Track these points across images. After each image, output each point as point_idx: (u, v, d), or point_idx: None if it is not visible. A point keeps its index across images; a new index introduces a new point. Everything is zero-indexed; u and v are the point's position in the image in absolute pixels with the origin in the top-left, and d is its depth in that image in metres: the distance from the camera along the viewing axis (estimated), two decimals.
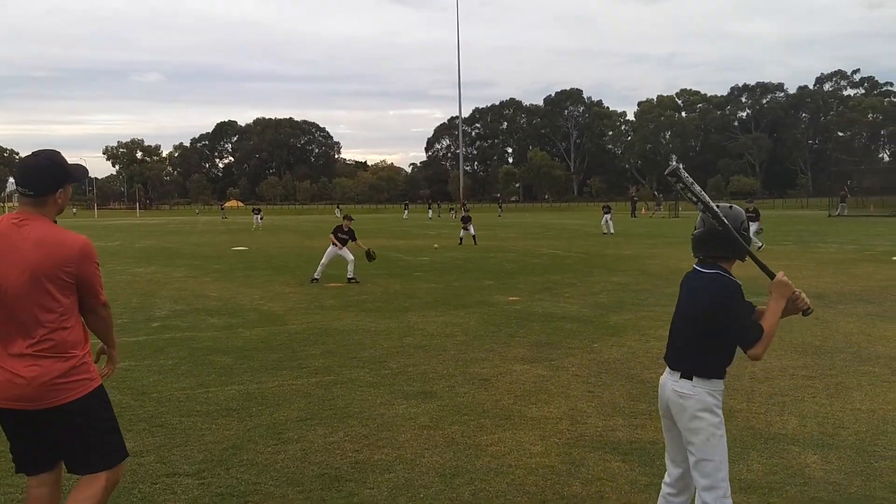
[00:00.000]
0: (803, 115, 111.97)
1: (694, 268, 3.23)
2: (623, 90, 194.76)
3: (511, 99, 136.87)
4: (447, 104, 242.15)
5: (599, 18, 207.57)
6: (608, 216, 31.20)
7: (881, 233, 27.55)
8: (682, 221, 44.42)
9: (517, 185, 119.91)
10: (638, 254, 20.53)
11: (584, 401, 6.13)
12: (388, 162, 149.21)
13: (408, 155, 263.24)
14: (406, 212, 65.48)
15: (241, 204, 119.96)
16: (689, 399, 3.03)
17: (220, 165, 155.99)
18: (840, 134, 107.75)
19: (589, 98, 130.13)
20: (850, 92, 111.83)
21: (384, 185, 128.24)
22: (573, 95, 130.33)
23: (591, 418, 5.65)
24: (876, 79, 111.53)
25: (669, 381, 3.15)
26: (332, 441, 5.19)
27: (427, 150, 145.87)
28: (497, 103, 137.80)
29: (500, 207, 76.18)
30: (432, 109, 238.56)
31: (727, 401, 6.01)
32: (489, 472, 4.60)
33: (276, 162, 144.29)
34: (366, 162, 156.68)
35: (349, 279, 14.83)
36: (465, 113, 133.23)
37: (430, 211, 68.17)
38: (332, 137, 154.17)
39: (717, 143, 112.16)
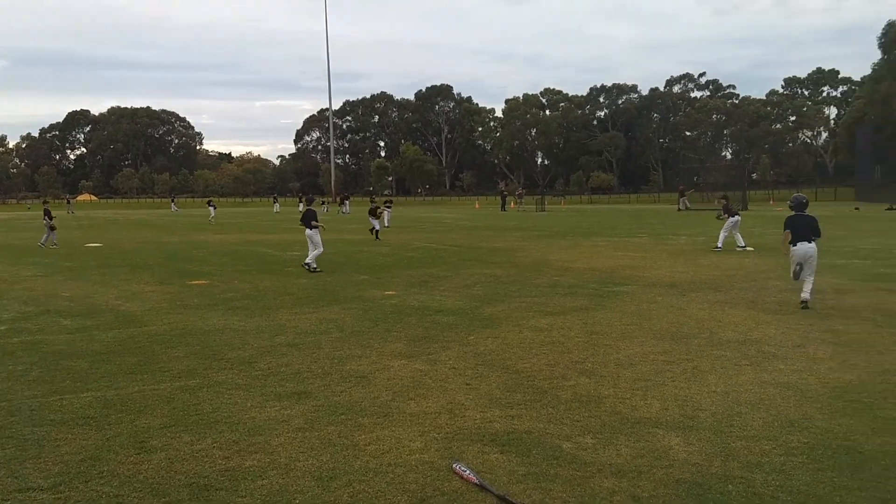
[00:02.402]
0: (655, 115, 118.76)
1: (797, 214, 10.39)
2: (491, 87, 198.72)
3: (382, 92, 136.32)
4: (317, 96, 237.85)
5: (469, 16, 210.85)
6: (213, 209, 41.42)
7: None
8: (548, 216, 46.04)
9: (390, 178, 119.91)
10: (508, 246, 21.04)
11: (461, 394, 6.16)
12: (255, 154, 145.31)
13: (276, 147, 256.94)
14: (276, 205, 63.91)
15: (93, 197, 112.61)
16: (814, 249, 10.02)
17: (72, 157, 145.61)
18: (688, 133, 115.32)
19: (459, 94, 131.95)
20: (697, 94, 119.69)
21: (251, 177, 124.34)
22: (444, 91, 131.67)
23: (468, 411, 5.69)
24: (720, 81, 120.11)
25: (806, 246, 10.06)
26: (200, 448, 4.92)
27: (296, 142, 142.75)
28: (368, 96, 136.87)
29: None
30: (301, 101, 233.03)
31: (595, 388, 6.27)
32: (368, 472, 4.52)
33: (132, 153, 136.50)
34: (230, 153, 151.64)
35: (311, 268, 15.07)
36: (336, 105, 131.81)
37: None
38: (193, 128, 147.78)
39: (579, 140, 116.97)
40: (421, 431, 5.24)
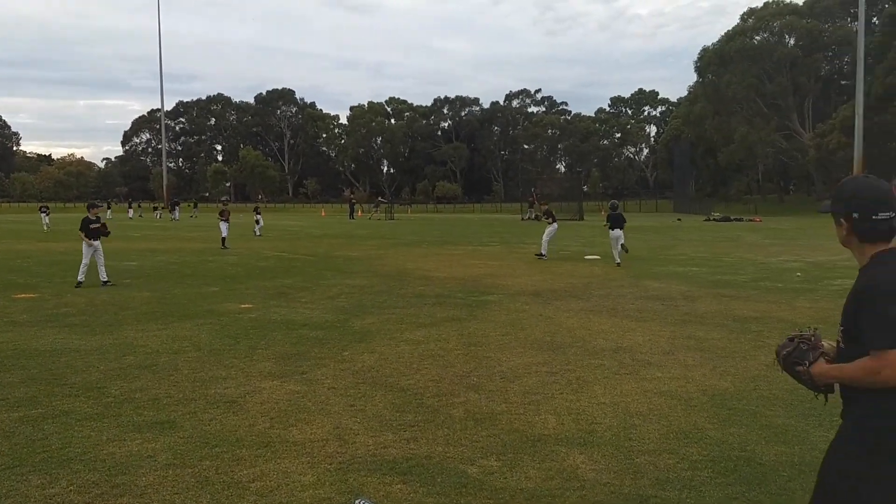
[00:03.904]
0: (495, 128, 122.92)
1: (613, 213, 18.26)
2: (335, 94, 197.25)
3: (219, 94, 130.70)
4: (147, 96, 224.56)
5: (309, 21, 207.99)
6: (45, 215, 36.86)
7: (567, 234, 30.93)
8: (398, 224, 46.04)
9: (228, 184, 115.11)
10: (365, 255, 20.58)
11: (347, 416, 5.70)
12: (78, 156, 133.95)
13: (101, 149, 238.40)
14: (109, 211, 59.54)
15: None
16: (621, 233, 17.87)
17: None
18: (526, 146, 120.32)
19: (302, 99, 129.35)
20: (533, 109, 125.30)
21: (73, 181, 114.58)
22: (286, 95, 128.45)
23: (359, 436, 5.25)
24: (554, 98, 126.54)
25: (619, 230, 17.72)
26: (54, 492, 4.17)
27: (124, 144, 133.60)
28: (204, 98, 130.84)
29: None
30: (129, 101, 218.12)
31: (487, 404, 6.04)
32: None
33: None
34: (50, 155, 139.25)
35: (104, 282, 13.68)
36: (169, 106, 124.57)
37: (130, 210, 62.53)
38: (9, 127, 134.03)
39: (424, 150, 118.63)
40: (310, 462, 4.74)
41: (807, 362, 2.58)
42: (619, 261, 17.40)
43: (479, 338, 8.77)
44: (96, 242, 13.83)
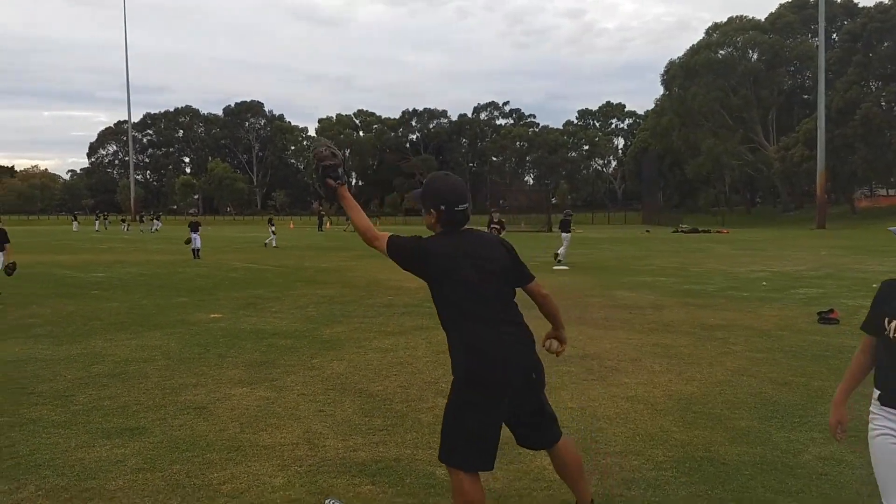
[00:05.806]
0: (464, 140, 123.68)
1: (566, 219, 23.15)
2: (303, 107, 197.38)
3: (188, 106, 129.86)
4: (114, 107, 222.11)
5: (278, 34, 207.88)
6: None
7: (535, 245, 31.17)
8: None
9: (196, 196, 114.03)
10: (336, 266, 20.58)
11: (316, 421, 5.74)
12: (42, 168, 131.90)
13: (66, 161, 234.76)
14: (75, 223, 58.90)
15: None
16: (570, 235, 23.10)
17: None
18: (494, 158, 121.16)
19: (271, 111, 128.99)
20: (501, 121, 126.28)
21: (37, 193, 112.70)
22: (254, 108, 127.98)
23: (328, 440, 5.29)
24: (522, 111, 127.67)
25: (566, 233, 22.62)
26: (22, 498, 4.15)
27: (90, 156, 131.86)
28: (172, 110, 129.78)
29: (157, 219, 70.23)
30: (96, 112, 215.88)
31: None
32: None
33: None
34: (13, 167, 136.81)
35: None
36: (136, 118, 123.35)
37: (97, 223, 61.65)
38: None
39: (392, 162, 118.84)
40: (280, 465, 4.78)
41: (339, 180, 3.46)
42: (559, 253, 21.57)
43: (447, 346, 8.83)
44: None
